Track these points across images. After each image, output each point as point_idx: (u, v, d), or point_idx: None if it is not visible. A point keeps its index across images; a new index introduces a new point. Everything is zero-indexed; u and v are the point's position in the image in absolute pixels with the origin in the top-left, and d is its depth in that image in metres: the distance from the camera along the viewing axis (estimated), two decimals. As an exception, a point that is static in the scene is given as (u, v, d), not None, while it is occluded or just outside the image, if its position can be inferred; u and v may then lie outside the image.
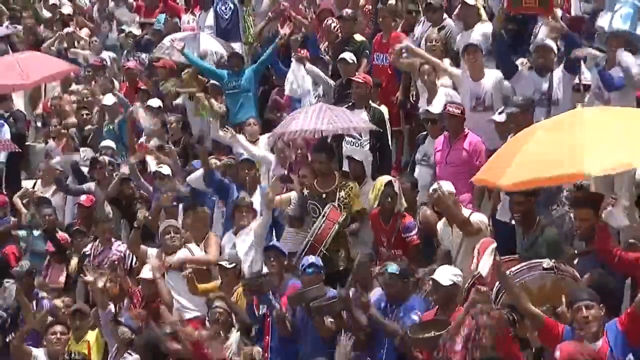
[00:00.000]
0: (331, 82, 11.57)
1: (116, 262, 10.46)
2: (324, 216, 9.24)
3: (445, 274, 7.56)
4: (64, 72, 14.13)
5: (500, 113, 9.27)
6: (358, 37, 11.97)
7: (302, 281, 8.60)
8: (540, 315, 6.55)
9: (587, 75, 9.48)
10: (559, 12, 9.77)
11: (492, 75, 9.87)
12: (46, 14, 18.36)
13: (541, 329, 6.54)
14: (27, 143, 14.22)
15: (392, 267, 7.97)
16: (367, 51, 11.75)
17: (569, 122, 6.69)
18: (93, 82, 14.65)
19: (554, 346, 6.20)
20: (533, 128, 7.13)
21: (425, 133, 10.18)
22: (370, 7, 12.54)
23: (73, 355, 9.03)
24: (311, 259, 8.67)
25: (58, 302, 10.19)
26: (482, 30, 10.44)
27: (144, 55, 14.81)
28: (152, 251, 10.23)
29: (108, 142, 12.60)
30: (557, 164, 6.27)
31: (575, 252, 7.48)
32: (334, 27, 12.05)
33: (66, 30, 16.33)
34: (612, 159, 6.14)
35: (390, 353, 7.85)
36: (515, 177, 6.51)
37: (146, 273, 9.84)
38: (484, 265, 7.19)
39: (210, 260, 9.97)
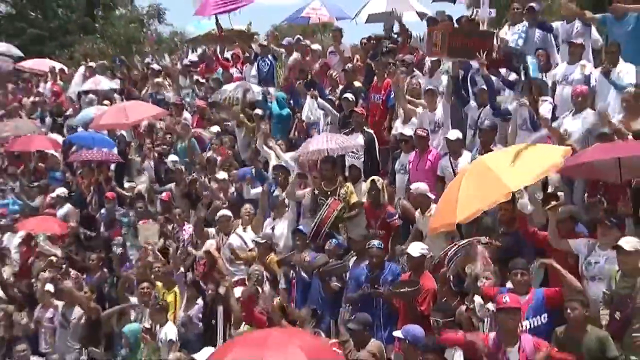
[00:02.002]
0: (335, 112, 11.48)
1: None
2: (327, 205, 9.18)
3: (416, 248, 7.58)
4: (158, 114, 14.23)
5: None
6: (357, 83, 11.95)
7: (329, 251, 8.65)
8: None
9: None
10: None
11: (441, 107, 9.87)
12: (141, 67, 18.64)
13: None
14: (128, 157, 14.24)
15: (376, 242, 7.95)
16: (363, 93, 11.68)
17: (481, 167, 6.68)
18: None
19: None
20: (459, 176, 6.92)
21: (399, 150, 10.08)
22: (362, 64, 12.56)
23: (159, 299, 9.05)
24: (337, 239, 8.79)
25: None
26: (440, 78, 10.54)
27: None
28: (211, 230, 10.36)
29: (172, 157, 12.91)
30: (489, 193, 6.30)
31: (500, 231, 7.42)
32: (335, 75, 12.15)
33: (156, 80, 16.37)
34: (527, 175, 6.29)
35: (383, 310, 7.80)
36: (464, 212, 6.35)
37: (208, 247, 9.99)
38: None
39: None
